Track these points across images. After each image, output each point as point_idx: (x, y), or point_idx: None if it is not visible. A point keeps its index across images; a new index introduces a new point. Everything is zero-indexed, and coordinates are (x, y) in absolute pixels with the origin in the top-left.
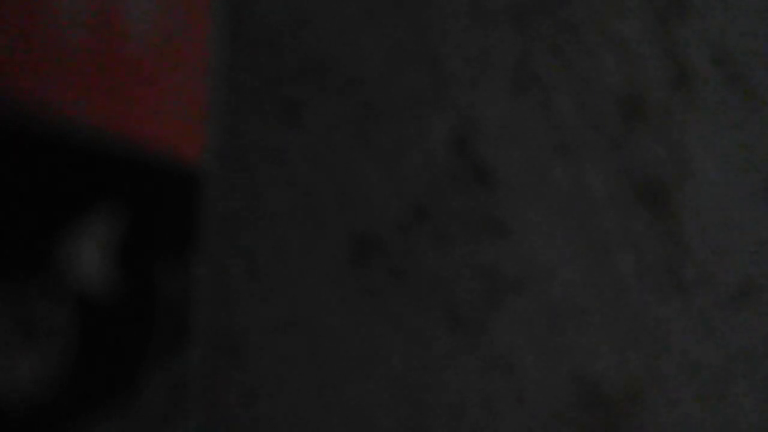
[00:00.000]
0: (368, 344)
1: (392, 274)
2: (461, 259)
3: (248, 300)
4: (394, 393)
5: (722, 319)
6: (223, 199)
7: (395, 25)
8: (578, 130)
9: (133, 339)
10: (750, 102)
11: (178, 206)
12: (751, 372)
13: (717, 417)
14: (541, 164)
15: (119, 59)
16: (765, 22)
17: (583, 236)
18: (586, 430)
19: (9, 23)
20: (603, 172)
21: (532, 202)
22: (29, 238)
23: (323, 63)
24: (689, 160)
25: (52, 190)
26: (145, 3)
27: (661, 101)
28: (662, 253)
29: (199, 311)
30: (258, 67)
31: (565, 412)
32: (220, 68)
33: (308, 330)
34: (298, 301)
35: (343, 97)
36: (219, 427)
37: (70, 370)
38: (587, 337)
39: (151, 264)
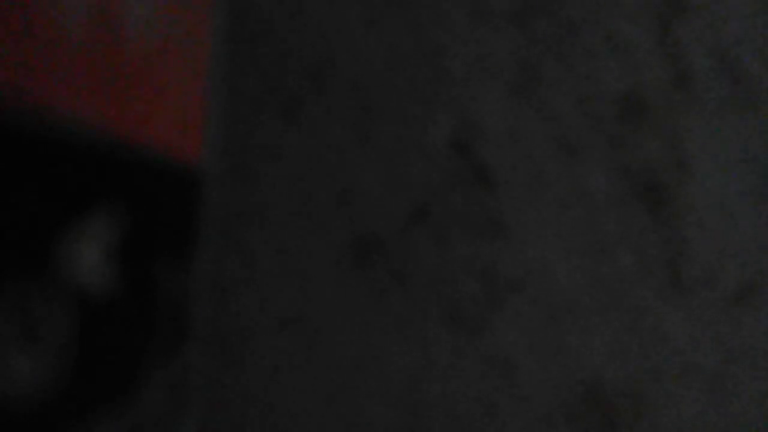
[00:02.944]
0: (368, 344)
1: (392, 274)
2: (461, 259)
3: (248, 300)
4: (393, 393)
5: (722, 319)
6: (223, 199)
7: (395, 25)
8: (578, 130)
9: (133, 339)
10: (750, 102)
11: (178, 206)
12: (751, 372)
13: (717, 417)
14: (541, 164)
15: (119, 59)
16: (764, 22)
17: (583, 236)
18: (586, 429)
19: (9, 23)
20: (603, 172)
21: (532, 201)
22: (29, 238)
23: (323, 63)
24: (689, 160)
25: (51, 190)
26: (144, 3)
27: (661, 101)
28: (662, 253)
29: (199, 311)
30: (258, 67)
31: (565, 411)
32: (220, 68)
33: (308, 330)
34: (298, 300)
35: (343, 96)
36: (219, 427)
37: (70, 370)
38: (587, 337)
39: (151, 264)
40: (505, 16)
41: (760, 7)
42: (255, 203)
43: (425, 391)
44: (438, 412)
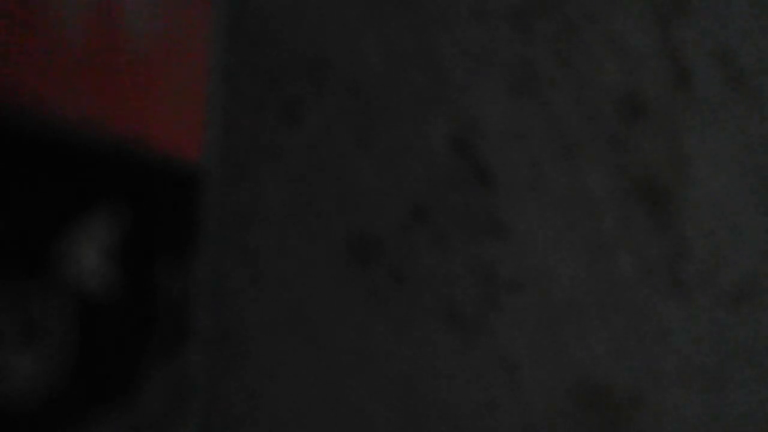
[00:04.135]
0: (368, 344)
1: (392, 274)
2: (461, 259)
3: (248, 300)
4: (393, 392)
5: (722, 319)
6: (223, 199)
7: (395, 25)
8: (578, 130)
9: (133, 339)
10: (750, 102)
11: (178, 206)
12: (751, 372)
13: (717, 416)
14: (541, 164)
15: (119, 59)
16: (764, 22)
17: (582, 236)
18: (585, 429)
19: (8, 23)
20: (603, 172)
21: (531, 201)
22: (29, 238)
23: (323, 63)
24: (689, 160)
25: (51, 190)
26: (144, 2)
27: (661, 101)
28: (662, 253)
29: (199, 311)
30: (258, 67)
31: (565, 411)
32: (220, 68)
33: (308, 330)
34: (298, 300)
35: (343, 96)
36: (219, 427)
37: (70, 370)
38: (587, 337)
39: (151, 264)
40: (505, 16)
41: (760, 8)
42: (255, 203)
43: (425, 391)
44: (438, 412)
